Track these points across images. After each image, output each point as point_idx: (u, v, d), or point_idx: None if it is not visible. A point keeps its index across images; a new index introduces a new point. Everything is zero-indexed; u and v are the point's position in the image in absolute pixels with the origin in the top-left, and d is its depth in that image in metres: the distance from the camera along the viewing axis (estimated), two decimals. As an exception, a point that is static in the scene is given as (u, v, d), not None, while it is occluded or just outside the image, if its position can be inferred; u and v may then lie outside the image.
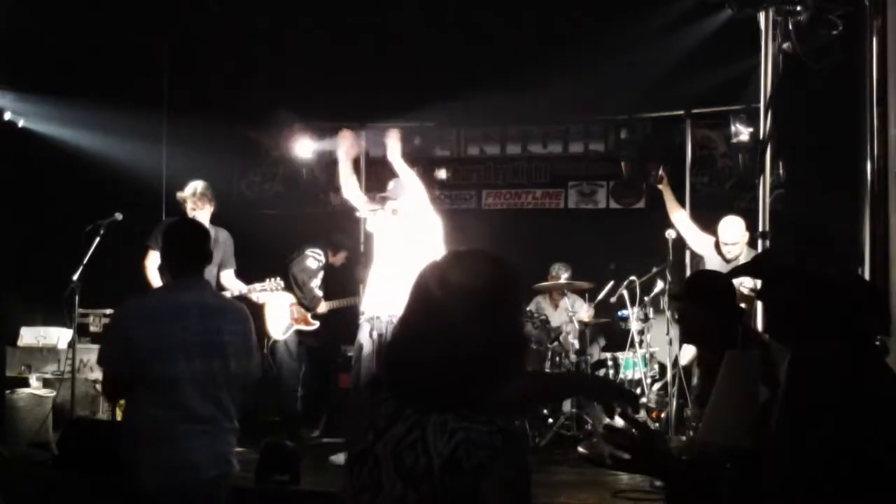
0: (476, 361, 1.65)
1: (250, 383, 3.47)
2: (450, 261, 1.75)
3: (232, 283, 6.39)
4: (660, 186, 6.67)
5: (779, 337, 2.13)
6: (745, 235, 6.08)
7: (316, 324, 7.15)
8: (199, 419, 3.16)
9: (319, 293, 7.20)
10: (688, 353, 6.27)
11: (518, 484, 1.63)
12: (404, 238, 5.67)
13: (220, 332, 3.22)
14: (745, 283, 5.80)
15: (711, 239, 6.29)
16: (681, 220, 6.49)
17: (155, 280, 6.12)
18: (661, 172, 6.71)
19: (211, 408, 3.19)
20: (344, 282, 7.54)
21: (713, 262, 6.18)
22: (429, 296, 1.71)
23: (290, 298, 7.01)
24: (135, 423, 3.22)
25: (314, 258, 7.18)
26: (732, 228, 6.12)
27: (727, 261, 6.09)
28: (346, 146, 6.02)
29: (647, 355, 7.00)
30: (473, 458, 1.58)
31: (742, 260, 6.06)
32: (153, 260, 6.15)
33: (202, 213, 6.23)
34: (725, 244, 6.13)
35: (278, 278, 6.59)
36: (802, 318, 2.00)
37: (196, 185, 6.21)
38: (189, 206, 6.19)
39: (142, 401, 3.16)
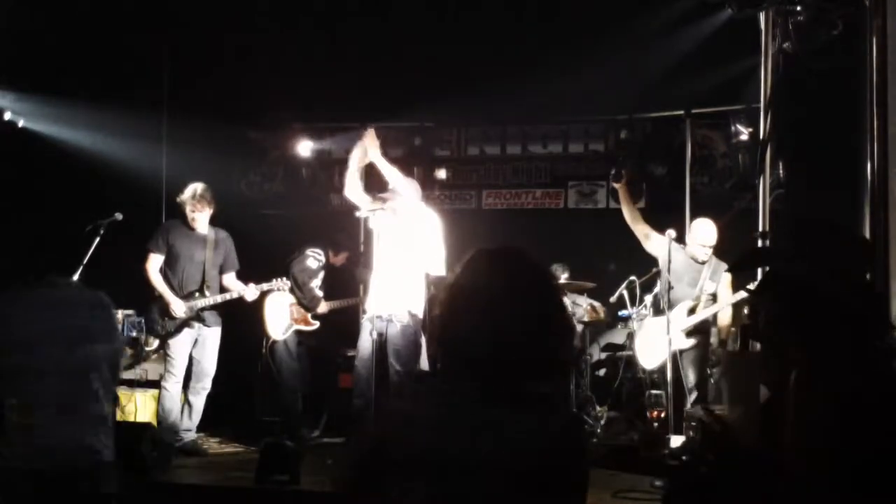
0: (518, 356, 1.66)
1: (116, 366, 3.61)
2: (485, 258, 1.77)
3: (234, 285, 6.37)
4: (616, 185, 6.67)
5: (778, 340, 2.12)
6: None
7: (316, 324, 7.14)
8: (61, 407, 3.25)
9: (319, 293, 7.19)
10: (655, 357, 6.33)
11: (583, 475, 1.64)
12: (404, 238, 5.67)
13: (79, 319, 3.38)
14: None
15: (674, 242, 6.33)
16: (634, 220, 6.52)
17: (157, 282, 6.13)
18: (622, 171, 6.71)
19: (76, 395, 3.30)
20: (345, 282, 7.53)
21: (678, 262, 6.20)
22: (468, 292, 1.72)
23: (289, 298, 7.00)
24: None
25: (314, 258, 7.17)
26: (711, 232, 6.22)
27: (700, 263, 6.18)
28: (370, 145, 5.84)
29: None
30: (541, 453, 1.60)
31: (707, 265, 6.17)
32: (154, 262, 6.16)
33: (202, 216, 6.22)
34: (703, 246, 6.19)
35: (285, 278, 6.59)
36: (800, 323, 2.00)
37: (195, 188, 6.20)
38: (188, 208, 6.18)
39: (5, 393, 3.27)
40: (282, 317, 7.00)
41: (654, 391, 6.50)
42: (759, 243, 5.16)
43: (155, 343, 6.36)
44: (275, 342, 7.00)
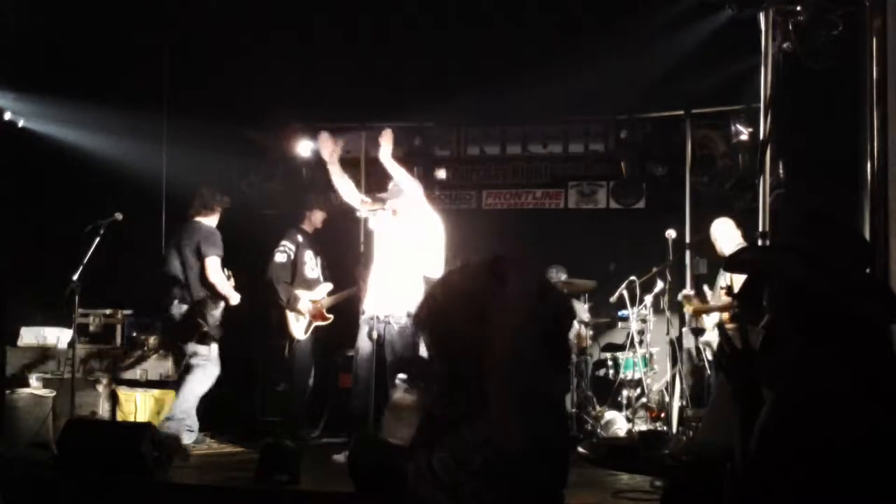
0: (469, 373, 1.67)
1: None
2: (456, 271, 1.78)
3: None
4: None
5: (774, 337, 2.12)
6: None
7: (331, 317, 7.07)
8: None
9: (296, 291, 7.00)
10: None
11: None
12: (404, 239, 5.67)
13: None
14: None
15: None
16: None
17: (224, 287, 6.21)
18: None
19: None
20: (346, 281, 7.50)
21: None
22: (435, 306, 1.73)
23: (306, 295, 6.98)
24: None
25: (280, 252, 7.09)
26: (720, 229, 6.33)
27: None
28: (326, 148, 6.01)
29: (647, 355, 7.01)
30: None
31: None
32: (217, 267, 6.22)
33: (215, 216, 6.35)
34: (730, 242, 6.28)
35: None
36: (796, 318, 2.00)
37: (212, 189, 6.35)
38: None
39: None
40: (301, 316, 6.99)
41: (654, 391, 6.51)
42: (759, 243, 5.16)
43: (152, 339, 6.33)
44: (297, 342, 6.99)
